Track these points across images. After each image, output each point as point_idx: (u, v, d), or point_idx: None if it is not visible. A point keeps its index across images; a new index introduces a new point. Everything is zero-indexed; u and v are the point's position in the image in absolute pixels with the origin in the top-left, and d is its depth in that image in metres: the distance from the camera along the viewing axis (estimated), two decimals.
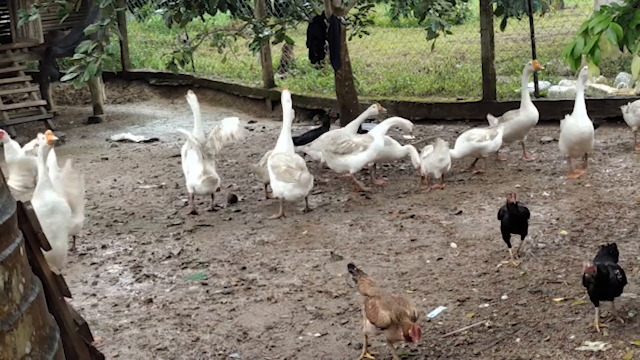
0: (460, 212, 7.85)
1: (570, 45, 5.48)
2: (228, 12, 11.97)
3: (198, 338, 5.56)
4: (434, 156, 8.58)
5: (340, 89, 10.59)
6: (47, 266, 3.01)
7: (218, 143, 8.72)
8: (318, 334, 5.48)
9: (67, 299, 3.22)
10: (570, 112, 8.70)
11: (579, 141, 8.52)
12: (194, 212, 8.59)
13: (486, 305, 5.70)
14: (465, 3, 17.59)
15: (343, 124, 10.67)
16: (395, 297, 4.89)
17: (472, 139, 9.08)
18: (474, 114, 11.97)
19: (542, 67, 8.99)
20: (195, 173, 8.40)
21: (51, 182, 6.49)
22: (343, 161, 8.75)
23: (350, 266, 5.32)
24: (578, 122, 8.48)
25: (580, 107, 8.52)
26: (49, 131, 6.51)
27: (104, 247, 7.78)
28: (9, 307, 2.21)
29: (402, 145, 9.29)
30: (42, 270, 2.94)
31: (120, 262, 7.30)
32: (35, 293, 2.36)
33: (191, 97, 9.11)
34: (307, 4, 11.26)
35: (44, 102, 14.42)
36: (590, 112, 10.88)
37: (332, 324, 5.62)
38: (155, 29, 22.36)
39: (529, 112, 9.37)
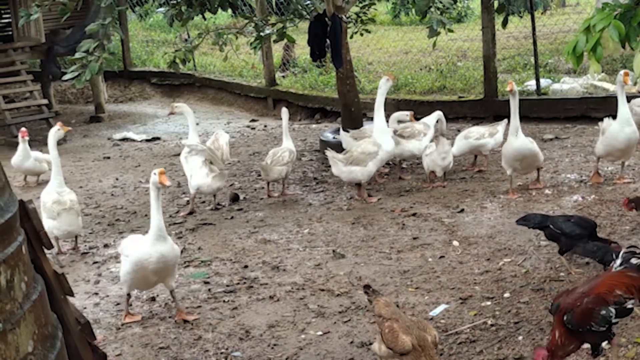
0: (462, 210, 7.85)
1: (572, 42, 5.47)
2: (229, 10, 11.95)
3: (200, 337, 5.56)
4: (436, 154, 8.59)
5: (342, 88, 10.57)
6: (49, 265, 3.00)
7: (219, 153, 8.69)
8: (320, 333, 5.48)
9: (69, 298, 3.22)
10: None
11: (625, 148, 8.05)
12: (191, 212, 8.59)
13: (488, 303, 5.70)
14: (466, 1, 17.58)
15: (345, 123, 10.66)
16: (414, 321, 4.55)
17: (470, 137, 9.10)
18: (476, 112, 11.97)
19: (516, 89, 8.11)
20: (201, 173, 8.37)
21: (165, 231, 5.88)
22: (411, 147, 9.00)
23: (367, 287, 4.93)
24: (624, 128, 7.98)
25: (624, 112, 8.00)
26: (162, 169, 5.81)
27: (106, 245, 7.78)
28: (11, 305, 2.20)
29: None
30: (44, 269, 2.93)
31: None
32: (37, 291, 2.35)
33: (179, 105, 9.00)
34: (308, 2, 11.24)
35: (45, 101, 14.42)
36: (592, 110, 10.96)
37: (334, 323, 5.62)
38: (156, 28, 22.36)
39: (508, 142, 8.15)
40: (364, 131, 9.33)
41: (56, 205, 7.44)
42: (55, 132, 7.89)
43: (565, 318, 4.25)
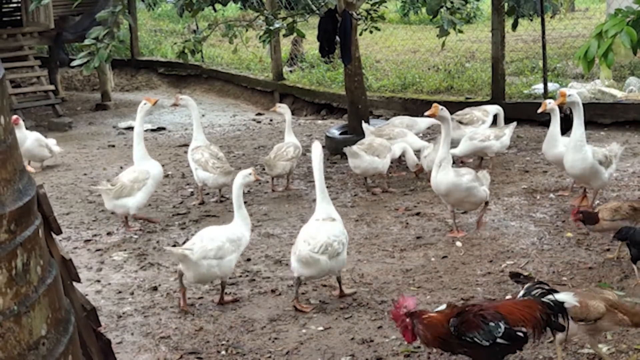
0: (465, 211, 7.84)
1: (584, 47, 5.48)
2: (239, 3, 11.95)
3: (201, 328, 5.57)
4: (435, 154, 8.56)
5: (350, 84, 10.58)
6: (57, 250, 3.01)
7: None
8: (321, 328, 5.49)
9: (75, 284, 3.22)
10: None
11: (580, 175, 7.47)
12: (202, 203, 8.61)
13: None
14: (477, 2, 17.55)
15: (351, 120, 10.67)
16: (584, 290, 4.65)
17: (475, 138, 9.10)
18: None
19: (447, 116, 6.94)
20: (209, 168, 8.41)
21: None
22: (467, 130, 9.33)
23: (515, 275, 4.75)
24: (569, 154, 7.37)
25: (574, 137, 7.32)
26: None
27: (109, 234, 7.78)
28: (27, 288, 2.22)
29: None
30: (52, 255, 2.94)
31: (125, 250, 7.31)
32: (52, 275, 2.37)
33: (184, 98, 9.00)
34: None
35: (52, 87, 14.44)
36: (598, 115, 10.96)
37: (336, 318, 5.62)
38: (165, 18, 22.38)
39: (432, 174, 7.19)
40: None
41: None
42: (143, 106, 8.00)
43: (451, 321, 4.21)
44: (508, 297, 5.76)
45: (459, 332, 4.19)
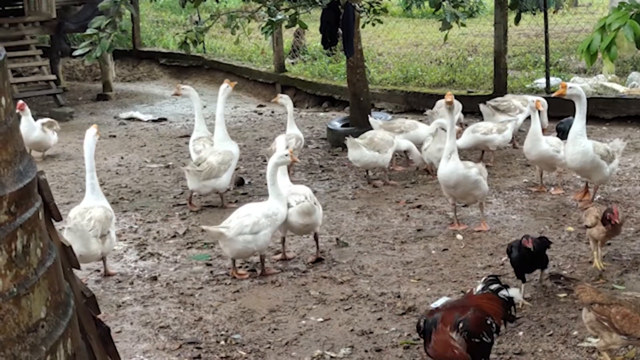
0: (466, 205, 7.83)
1: (587, 40, 5.45)
2: None
3: (201, 318, 5.57)
4: (434, 146, 8.55)
5: (352, 77, 10.56)
6: (57, 236, 3.00)
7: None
8: (321, 319, 5.49)
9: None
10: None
11: (579, 168, 7.47)
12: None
13: None
14: None
15: (353, 112, 10.65)
16: (632, 300, 4.47)
17: (477, 131, 9.08)
18: None
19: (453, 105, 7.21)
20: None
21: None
22: (502, 118, 9.53)
23: (555, 276, 4.79)
24: (569, 147, 7.35)
25: (573, 130, 7.34)
26: None
27: None
28: (26, 270, 2.21)
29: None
30: (52, 241, 2.93)
31: (125, 240, 7.31)
32: (52, 258, 2.36)
33: (186, 88, 9.00)
34: None
35: (53, 77, 14.40)
36: (600, 110, 10.95)
37: (335, 310, 5.62)
38: (167, 9, 22.34)
39: (440, 166, 7.19)
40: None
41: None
42: (225, 89, 8.34)
43: (460, 325, 4.27)
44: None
45: (469, 334, 4.27)
